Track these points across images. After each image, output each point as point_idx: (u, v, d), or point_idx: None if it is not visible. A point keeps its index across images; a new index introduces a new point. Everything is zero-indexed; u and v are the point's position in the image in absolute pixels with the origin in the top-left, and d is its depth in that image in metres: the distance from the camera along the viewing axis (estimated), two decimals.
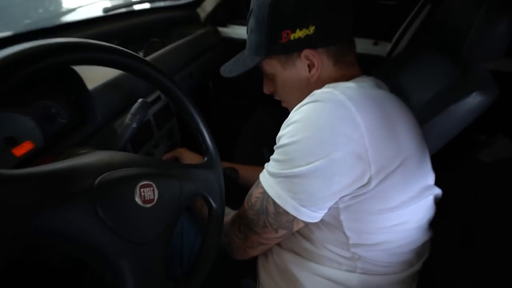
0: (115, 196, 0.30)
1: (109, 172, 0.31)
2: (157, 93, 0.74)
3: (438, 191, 0.47)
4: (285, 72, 0.50)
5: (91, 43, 0.33)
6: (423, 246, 0.47)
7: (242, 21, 1.35)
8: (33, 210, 0.24)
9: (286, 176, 0.39)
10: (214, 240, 0.44)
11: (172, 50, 0.92)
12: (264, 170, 0.43)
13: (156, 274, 0.33)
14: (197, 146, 0.50)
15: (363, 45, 1.24)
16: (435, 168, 0.48)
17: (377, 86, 0.45)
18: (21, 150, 0.43)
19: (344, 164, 0.36)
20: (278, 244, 0.50)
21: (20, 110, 0.44)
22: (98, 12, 0.92)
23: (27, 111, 0.45)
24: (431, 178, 0.46)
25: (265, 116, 1.10)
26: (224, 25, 1.35)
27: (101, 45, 0.33)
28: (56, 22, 0.84)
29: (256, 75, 0.61)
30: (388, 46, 1.19)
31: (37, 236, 0.24)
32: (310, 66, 0.47)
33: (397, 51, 1.16)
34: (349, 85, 0.41)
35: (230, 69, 0.55)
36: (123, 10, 0.96)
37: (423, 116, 0.70)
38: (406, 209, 0.40)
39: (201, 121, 0.48)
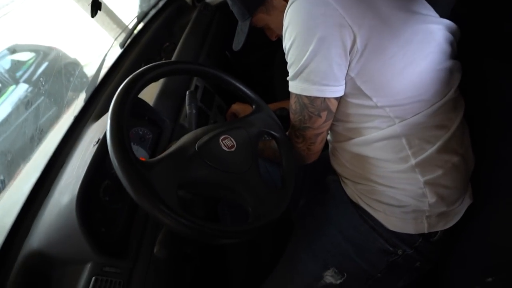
0: (210, 150, 0.46)
1: (199, 140, 0.46)
2: (193, 84, 0.88)
3: (443, 20, 0.50)
4: (272, 16, 0.60)
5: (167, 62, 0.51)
6: (447, 73, 0.50)
7: None
8: (176, 173, 0.40)
9: (300, 72, 0.49)
10: (289, 157, 0.57)
11: (183, 46, 1.03)
12: (289, 81, 0.53)
13: (260, 188, 0.48)
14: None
15: None
16: None
17: None
18: None
19: (332, 37, 0.45)
20: (336, 140, 0.60)
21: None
22: (117, 49, 1.09)
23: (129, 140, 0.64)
24: (425, 11, 0.50)
25: None
26: None
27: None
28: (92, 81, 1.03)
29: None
30: None
31: (186, 185, 0.41)
32: None
33: None
34: None
35: (237, 42, 0.68)
36: (131, 38, 1.10)
37: None
38: (406, 50, 0.46)
39: (236, 81, 0.60)
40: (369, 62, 0.46)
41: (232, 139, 0.49)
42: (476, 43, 0.55)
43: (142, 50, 1.09)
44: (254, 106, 0.61)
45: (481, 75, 0.54)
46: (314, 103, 0.51)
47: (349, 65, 0.47)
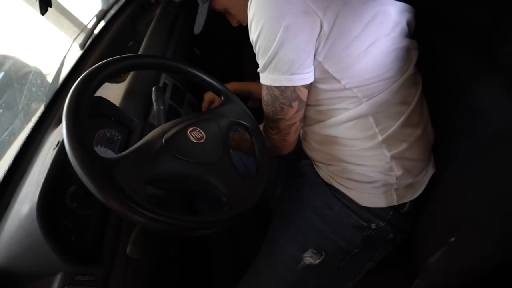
0: (178, 143, 0.45)
1: (167, 133, 0.45)
2: (162, 81, 0.86)
3: (398, 2, 0.52)
4: (231, 0, 0.58)
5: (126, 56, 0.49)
6: (407, 50, 0.52)
7: None
8: (142, 167, 0.39)
9: (269, 63, 0.49)
10: (261, 146, 0.57)
11: (148, 44, 0.99)
12: (259, 74, 0.53)
13: (233, 177, 0.48)
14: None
15: None
16: None
17: None
18: None
19: (297, 24, 0.45)
20: (306, 124, 0.61)
21: (92, 143, 0.60)
22: (77, 51, 1.03)
23: (96, 143, 0.61)
24: None
25: None
26: None
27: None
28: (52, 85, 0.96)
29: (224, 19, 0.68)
30: None
31: (154, 180, 0.40)
32: None
33: None
34: None
35: (197, 25, 0.65)
36: (91, 39, 1.05)
37: None
38: (370, 31, 0.48)
39: (202, 73, 0.59)
40: (335, 45, 0.47)
41: (201, 131, 0.48)
42: (428, 20, 0.58)
43: (104, 50, 1.04)
44: (222, 98, 0.60)
45: (434, 50, 0.57)
46: (284, 94, 0.52)
47: (316, 49, 0.48)
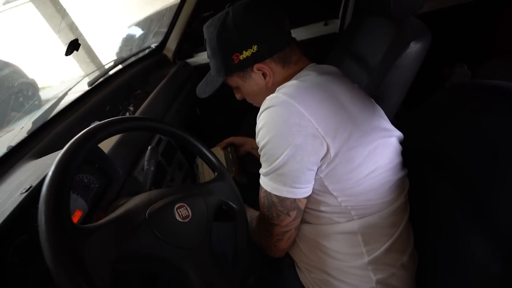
0: (162, 220, 0.41)
1: (152, 206, 0.42)
2: (157, 137, 0.86)
3: (398, 133, 0.56)
4: (246, 84, 0.60)
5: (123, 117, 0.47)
6: (401, 181, 0.55)
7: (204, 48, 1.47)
8: (117, 243, 0.35)
9: (272, 171, 0.50)
10: (244, 234, 0.54)
11: (155, 97, 1.03)
12: (260, 175, 0.53)
13: (208, 268, 0.44)
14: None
15: (316, 29, 1.35)
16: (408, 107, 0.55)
17: (320, 73, 0.54)
18: (75, 218, 0.54)
19: (306, 145, 0.46)
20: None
21: None
22: (84, 87, 1.04)
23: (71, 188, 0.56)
24: (385, 125, 0.55)
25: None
26: (191, 56, 1.48)
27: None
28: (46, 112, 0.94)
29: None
30: (337, 22, 1.31)
31: (125, 258, 0.35)
32: (264, 75, 0.57)
33: (346, 23, 1.27)
34: (291, 83, 0.51)
35: (203, 90, 0.66)
36: (103, 78, 1.08)
37: (381, 73, 0.80)
38: (371, 160, 0.49)
39: (202, 146, 0.59)
40: (338, 168, 0.48)
41: (188, 209, 0.46)
42: (418, 155, 0.63)
43: (110, 92, 1.06)
44: (216, 173, 0.60)
45: (422, 183, 0.61)
46: (283, 203, 0.51)
47: (319, 167, 0.49)
